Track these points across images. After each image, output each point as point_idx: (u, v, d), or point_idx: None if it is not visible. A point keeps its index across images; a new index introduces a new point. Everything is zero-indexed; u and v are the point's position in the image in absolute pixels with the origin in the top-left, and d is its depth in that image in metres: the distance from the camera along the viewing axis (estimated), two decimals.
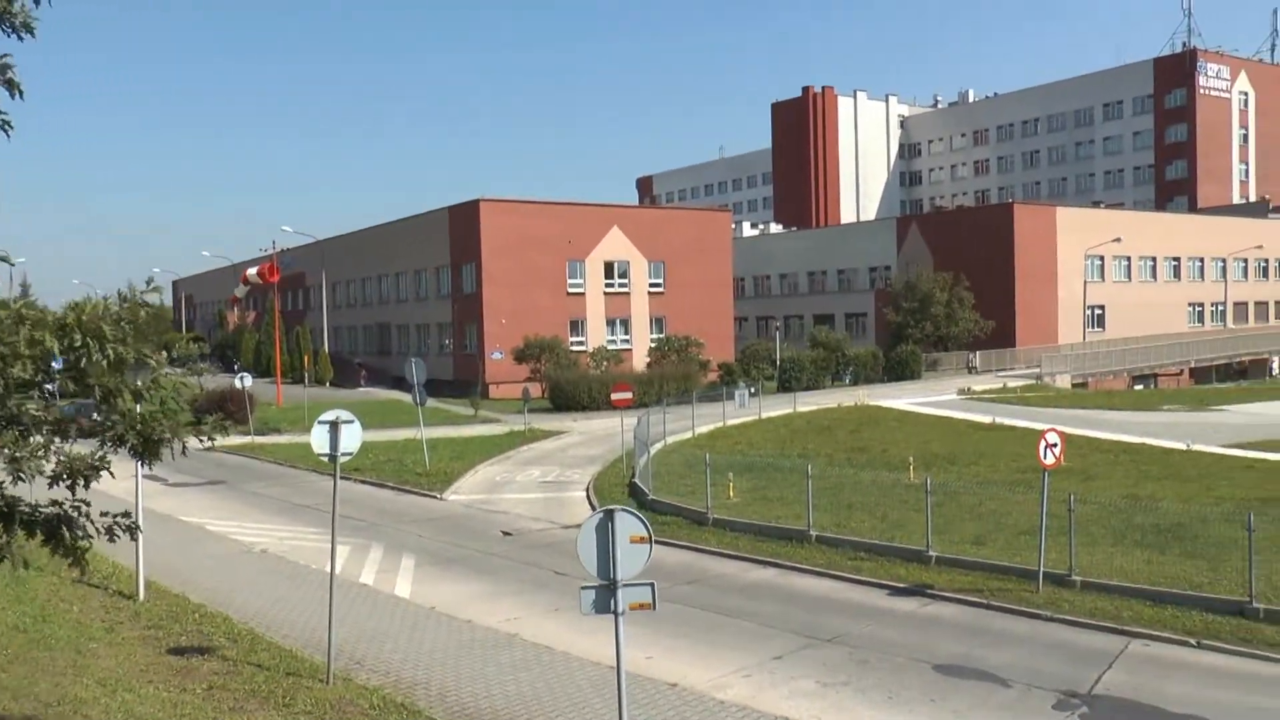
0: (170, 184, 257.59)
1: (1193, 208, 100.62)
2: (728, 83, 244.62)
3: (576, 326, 59.45)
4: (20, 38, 7.15)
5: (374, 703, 12.25)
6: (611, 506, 9.95)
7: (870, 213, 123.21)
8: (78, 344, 6.93)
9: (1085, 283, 71.68)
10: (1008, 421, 37.65)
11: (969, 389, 52.31)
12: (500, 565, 20.55)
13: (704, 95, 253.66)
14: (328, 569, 13.96)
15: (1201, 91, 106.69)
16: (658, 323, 61.94)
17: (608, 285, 60.83)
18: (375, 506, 27.22)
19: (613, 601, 9.63)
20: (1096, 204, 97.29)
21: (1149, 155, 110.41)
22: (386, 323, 70.10)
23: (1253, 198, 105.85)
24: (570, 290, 59.39)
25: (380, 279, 71.24)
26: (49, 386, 7.56)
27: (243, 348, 78.53)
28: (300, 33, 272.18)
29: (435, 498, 28.38)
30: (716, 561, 20.43)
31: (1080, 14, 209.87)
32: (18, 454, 7.04)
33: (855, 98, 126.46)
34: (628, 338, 61.38)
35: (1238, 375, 72.56)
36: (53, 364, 7.24)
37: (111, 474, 7.80)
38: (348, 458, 13.70)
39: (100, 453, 7.64)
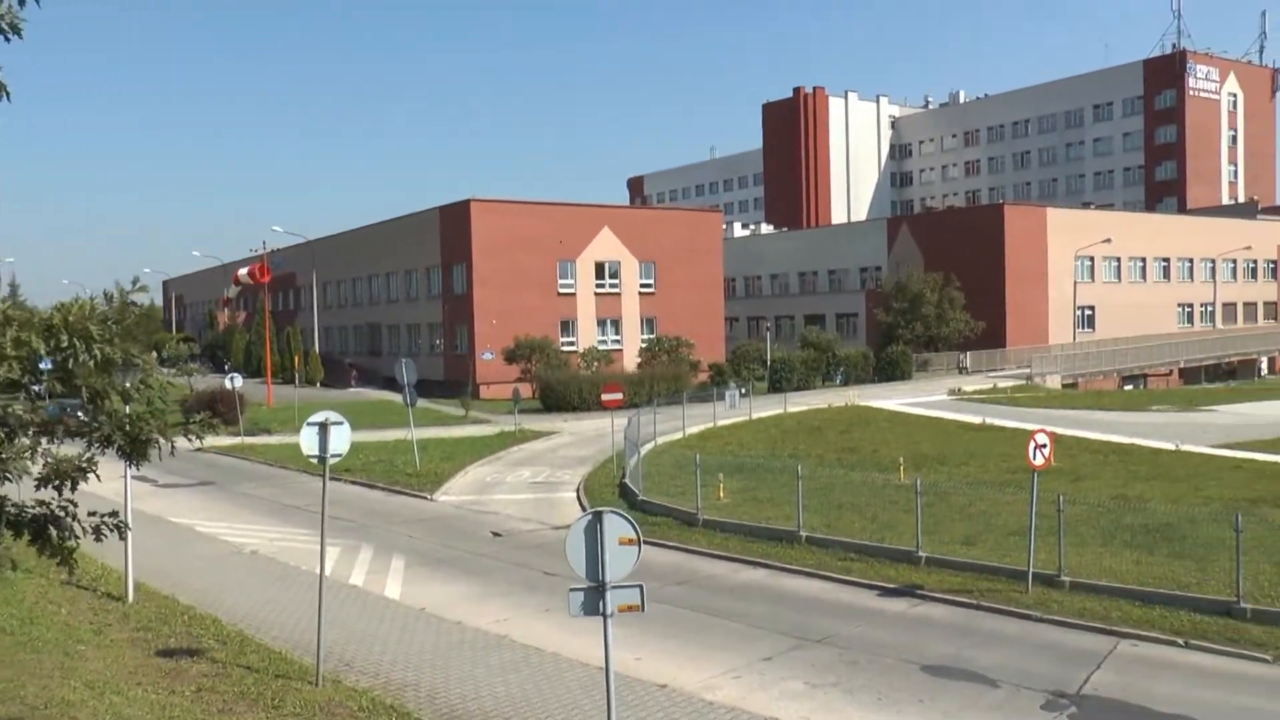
0: (170, 184, 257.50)
1: (1182, 209, 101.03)
2: (727, 83, 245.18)
3: (567, 327, 59.43)
4: (8, 39, 7.11)
5: (363, 705, 12.22)
6: (600, 508, 9.96)
7: (861, 213, 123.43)
8: (64, 345, 6.91)
9: (1075, 283, 71.92)
10: (998, 422, 37.72)
11: (959, 389, 52.44)
12: (490, 566, 20.53)
13: (703, 96, 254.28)
14: (318, 570, 13.93)
15: (1191, 93, 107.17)
16: (648, 323, 61.96)
17: (598, 285, 60.82)
18: (365, 507, 27.18)
19: (601, 603, 9.63)
20: (1086, 205, 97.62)
21: (1139, 156, 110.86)
22: (377, 323, 69.99)
23: (1241, 199, 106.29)
24: (561, 290, 59.37)
25: (371, 279, 71.12)
26: (36, 388, 7.52)
27: (233, 348, 78.37)
28: (300, 33, 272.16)
29: (425, 498, 28.34)
30: (706, 562, 20.43)
31: (1071, 16, 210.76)
32: (3, 456, 7.02)
33: (846, 98, 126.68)
34: (618, 338, 61.38)
35: (1226, 376, 72.87)
36: (41, 365, 7.21)
37: (98, 476, 7.77)
38: (337, 459, 13.67)
39: (87, 454, 7.62)
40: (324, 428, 13.30)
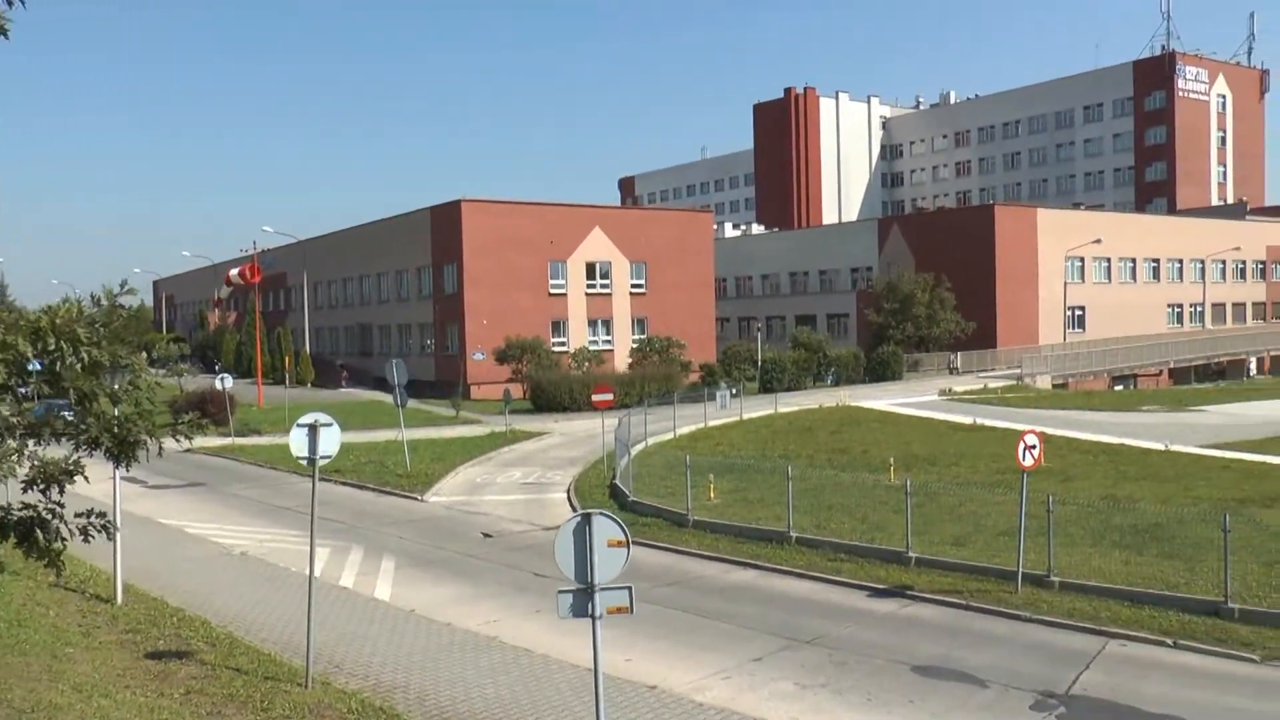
0: (169, 184, 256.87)
1: (1172, 209, 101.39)
2: (719, 83, 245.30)
3: (558, 327, 59.39)
4: None
5: (352, 706, 12.20)
6: (589, 510, 9.95)
7: (852, 214, 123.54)
8: (52, 348, 6.89)
9: (1065, 284, 72.14)
10: (988, 422, 37.84)
11: (950, 390, 52.56)
12: (480, 567, 20.51)
13: (695, 96, 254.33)
14: (307, 572, 13.90)
15: (1180, 94, 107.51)
16: (639, 323, 61.95)
17: (589, 286, 60.79)
18: (356, 508, 27.13)
19: (590, 605, 9.63)
20: (1077, 205, 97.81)
21: (1129, 157, 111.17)
22: (368, 323, 69.86)
23: (1230, 200, 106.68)
24: (552, 291, 59.33)
25: (362, 279, 70.98)
26: (23, 390, 7.50)
27: (224, 348, 78.15)
28: (300, 33, 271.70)
29: (416, 499, 28.30)
30: (697, 563, 20.43)
31: (1062, 17, 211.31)
32: None
33: (837, 99, 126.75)
34: (609, 338, 61.36)
35: (1216, 376, 73.16)
36: (29, 367, 7.19)
37: (86, 478, 7.74)
38: (326, 460, 13.65)
39: (74, 456, 7.59)
40: (313, 429, 13.29)
